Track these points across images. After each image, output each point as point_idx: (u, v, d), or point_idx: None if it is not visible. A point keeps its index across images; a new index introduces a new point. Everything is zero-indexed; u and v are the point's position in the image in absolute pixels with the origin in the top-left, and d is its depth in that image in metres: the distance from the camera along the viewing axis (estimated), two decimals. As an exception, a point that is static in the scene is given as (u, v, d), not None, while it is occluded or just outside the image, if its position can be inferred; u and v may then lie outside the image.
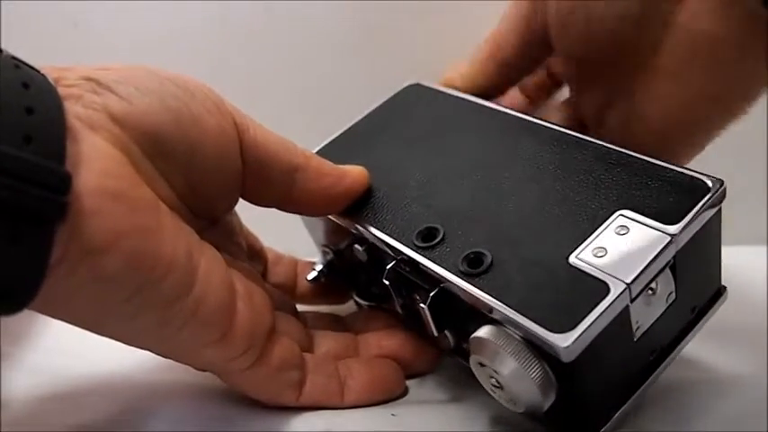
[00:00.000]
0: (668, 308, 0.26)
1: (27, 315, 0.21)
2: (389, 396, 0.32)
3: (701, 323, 0.28)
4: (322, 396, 0.30)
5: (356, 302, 0.37)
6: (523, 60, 0.37)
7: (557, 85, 0.41)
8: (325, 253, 0.37)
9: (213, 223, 0.30)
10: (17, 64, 0.21)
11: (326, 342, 0.33)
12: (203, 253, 0.26)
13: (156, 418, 0.30)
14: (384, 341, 0.33)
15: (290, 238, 0.38)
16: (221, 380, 0.30)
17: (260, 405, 0.30)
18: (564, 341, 0.22)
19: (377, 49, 0.46)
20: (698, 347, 0.28)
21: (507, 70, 0.37)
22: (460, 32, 0.44)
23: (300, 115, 0.46)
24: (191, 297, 0.25)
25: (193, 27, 0.45)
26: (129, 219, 0.23)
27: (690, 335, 0.28)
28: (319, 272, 0.37)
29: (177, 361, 0.28)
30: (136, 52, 0.44)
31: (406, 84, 0.38)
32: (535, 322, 0.23)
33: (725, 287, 0.29)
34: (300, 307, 0.36)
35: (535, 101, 0.41)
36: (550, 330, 0.23)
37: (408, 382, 0.33)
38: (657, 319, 0.26)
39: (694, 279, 0.27)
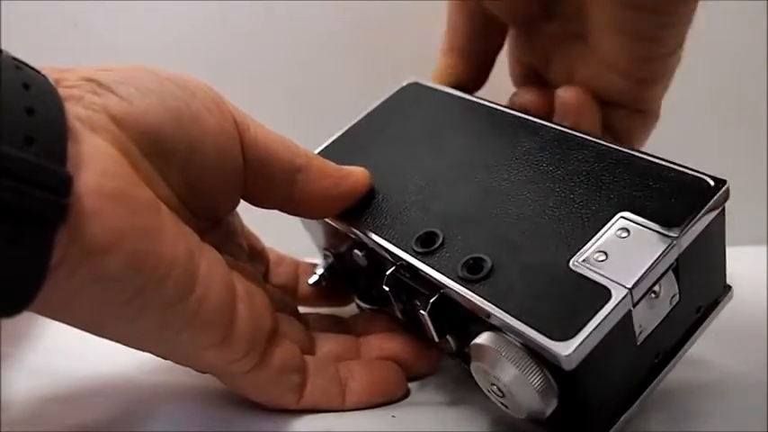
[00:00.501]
0: (672, 310, 0.26)
1: (27, 316, 0.21)
2: (390, 398, 0.31)
3: (706, 323, 0.28)
4: (323, 399, 0.30)
5: (358, 305, 0.37)
6: (479, 40, 0.37)
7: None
8: (326, 256, 0.37)
9: (215, 224, 0.30)
10: (18, 65, 0.21)
11: (328, 344, 0.33)
12: (204, 254, 0.26)
13: (156, 419, 0.30)
14: (385, 343, 0.33)
15: (291, 240, 0.37)
16: (222, 382, 0.30)
17: (260, 407, 0.30)
18: (565, 349, 0.22)
19: (375, 49, 0.46)
20: (698, 347, 0.28)
21: (471, 55, 0.37)
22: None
23: (299, 115, 0.46)
24: (191, 299, 0.25)
25: (193, 27, 0.45)
26: (130, 219, 0.22)
27: (695, 335, 0.28)
28: (320, 275, 0.37)
29: (178, 363, 0.28)
30: (136, 52, 0.44)
31: (404, 82, 0.38)
32: (535, 330, 0.23)
33: (730, 286, 0.29)
34: (302, 309, 0.36)
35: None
36: (551, 338, 0.23)
37: (410, 385, 0.33)
38: (661, 321, 0.25)
39: (698, 280, 0.27)
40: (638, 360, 0.26)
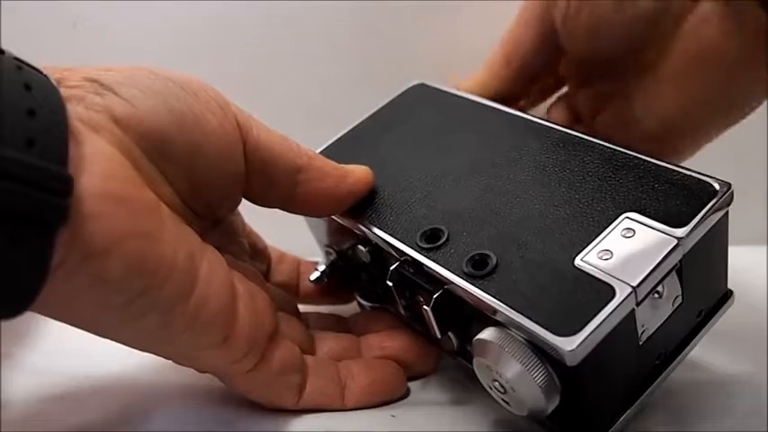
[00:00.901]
0: (674, 312, 0.26)
1: (28, 316, 0.21)
2: (390, 398, 0.32)
3: (706, 327, 0.28)
4: (322, 398, 0.30)
5: (359, 303, 0.37)
6: (538, 63, 0.36)
7: (559, 83, 0.40)
8: (328, 253, 0.36)
9: (216, 224, 0.30)
10: (19, 65, 0.21)
11: (328, 343, 0.33)
12: (205, 255, 0.26)
13: (156, 418, 0.30)
14: (386, 342, 0.33)
15: (292, 238, 0.37)
16: (222, 382, 0.30)
17: (260, 407, 0.30)
18: (568, 345, 0.22)
19: (379, 50, 0.46)
20: (698, 347, 0.28)
21: (523, 75, 0.37)
22: (464, 32, 0.45)
23: (302, 116, 0.46)
24: (192, 300, 0.25)
25: (194, 27, 0.45)
26: (131, 222, 0.22)
27: (696, 339, 0.28)
28: (322, 272, 0.36)
29: (178, 363, 0.28)
30: (136, 52, 0.44)
31: (410, 84, 0.38)
32: (539, 325, 0.23)
33: (731, 291, 0.29)
34: (303, 307, 0.36)
35: (536, 100, 0.41)
36: (555, 333, 0.23)
37: (410, 384, 0.33)
38: (663, 322, 0.26)
39: (701, 283, 0.27)
40: (639, 360, 0.26)
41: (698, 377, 0.31)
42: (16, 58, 0.21)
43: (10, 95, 0.20)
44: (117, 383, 0.34)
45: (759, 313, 0.36)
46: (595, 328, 0.22)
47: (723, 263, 0.28)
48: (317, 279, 0.36)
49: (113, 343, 0.26)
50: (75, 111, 0.23)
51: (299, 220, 0.36)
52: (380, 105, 0.38)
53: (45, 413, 0.31)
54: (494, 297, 0.25)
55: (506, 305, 0.24)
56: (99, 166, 0.22)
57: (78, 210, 0.21)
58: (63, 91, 0.22)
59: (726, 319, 0.29)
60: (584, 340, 0.22)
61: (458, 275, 0.26)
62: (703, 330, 0.28)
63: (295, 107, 0.47)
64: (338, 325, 0.35)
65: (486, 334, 0.25)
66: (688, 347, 0.27)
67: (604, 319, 0.22)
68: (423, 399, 0.32)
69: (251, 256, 0.34)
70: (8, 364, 0.35)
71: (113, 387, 0.33)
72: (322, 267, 0.37)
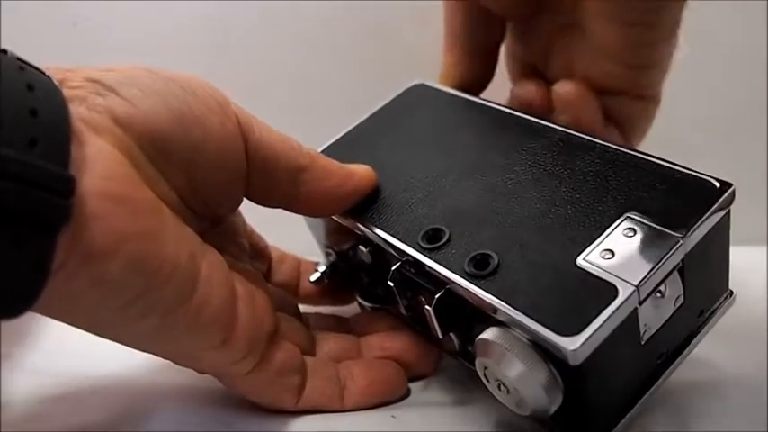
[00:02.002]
0: (676, 311, 0.26)
1: (28, 316, 0.21)
2: (390, 398, 0.31)
3: (707, 327, 0.28)
4: (322, 399, 0.30)
5: (359, 304, 0.37)
6: (478, 36, 0.37)
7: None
8: (328, 254, 0.36)
9: (216, 224, 0.30)
10: (22, 66, 0.21)
11: (328, 344, 0.33)
12: (205, 257, 0.26)
13: (156, 419, 0.30)
14: (386, 343, 0.33)
15: (293, 238, 0.37)
16: (221, 383, 0.30)
17: (259, 407, 0.30)
18: (571, 344, 0.22)
19: (379, 50, 0.46)
20: (698, 347, 0.28)
21: (472, 52, 0.37)
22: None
23: (302, 116, 0.46)
24: (192, 302, 0.25)
25: (194, 27, 0.45)
26: (132, 223, 0.22)
27: (697, 339, 0.28)
28: (322, 273, 0.36)
29: (178, 364, 0.28)
30: (135, 52, 0.44)
31: (410, 84, 0.38)
32: (542, 325, 0.23)
33: (732, 291, 0.29)
34: (303, 307, 0.36)
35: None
36: (558, 333, 0.23)
37: (411, 385, 0.33)
38: (665, 322, 0.26)
39: (702, 282, 0.27)
40: (641, 360, 0.26)
41: (698, 377, 0.31)
42: (19, 59, 0.21)
43: (12, 96, 0.20)
44: (117, 383, 0.34)
45: (759, 313, 0.36)
46: (598, 328, 0.22)
47: (724, 263, 0.28)
48: (318, 280, 0.36)
49: (113, 343, 0.26)
50: (76, 111, 0.23)
51: (299, 220, 0.36)
52: (380, 106, 0.38)
53: (45, 413, 0.31)
54: (496, 297, 0.25)
55: (508, 305, 0.24)
56: (100, 166, 0.22)
57: (80, 210, 0.21)
58: (65, 91, 0.22)
59: (726, 319, 0.29)
60: (586, 339, 0.22)
61: (459, 275, 0.26)
62: (704, 330, 0.28)
63: (294, 107, 0.47)
64: (339, 325, 0.35)
65: (489, 334, 0.25)
66: (689, 347, 0.27)
67: (607, 319, 0.22)
68: (424, 399, 0.32)
69: (251, 256, 0.34)
70: (8, 364, 0.35)
71: (113, 387, 0.33)
72: (322, 268, 0.37)
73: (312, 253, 0.39)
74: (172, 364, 0.28)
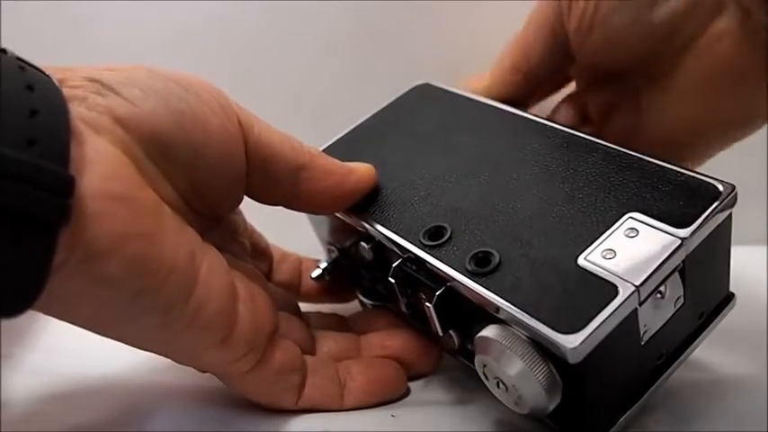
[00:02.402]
0: (676, 312, 0.26)
1: (28, 315, 0.21)
2: (390, 398, 0.31)
3: (708, 329, 0.28)
4: (321, 399, 0.30)
5: (360, 302, 0.37)
6: (547, 71, 0.36)
7: (566, 81, 0.40)
8: (330, 251, 0.36)
9: (216, 222, 0.30)
10: (21, 65, 0.21)
11: (328, 343, 0.33)
12: (205, 256, 0.26)
13: (156, 419, 0.30)
14: (386, 341, 0.33)
15: (294, 236, 0.37)
16: (221, 382, 0.30)
17: (259, 407, 0.30)
18: (571, 342, 0.22)
19: (383, 49, 0.46)
20: (698, 348, 0.28)
21: (531, 81, 0.36)
22: (468, 32, 0.44)
23: (304, 115, 0.46)
24: (192, 301, 0.25)
25: (194, 27, 0.45)
26: (133, 223, 0.23)
27: (697, 341, 0.28)
28: (324, 269, 0.36)
29: (178, 362, 0.28)
30: (136, 52, 0.44)
31: (415, 84, 0.38)
32: (542, 323, 0.23)
33: (733, 294, 0.29)
34: (304, 306, 0.36)
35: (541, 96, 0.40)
36: (557, 331, 0.23)
37: (411, 384, 0.33)
38: (665, 323, 0.26)
39: (703, 284, 0.27)
40: (640, 361, 0.26)
41: (698, 377, 0.31)
42: (18, 59, 0.21)
43: (12, 96, 0.20)
44: (117, 383, 0.34)
45: (759, 313, 0.36)
46: (598, 326, 0.22)
47: (725, 265, 0.28)
48: (319, 276, 0.36)
49: (113, 343, 0.26)
50: (77, 111, 0.23)
51: (299, 220, 0.36)
52: (384, 105, 0.38)
53: (45, 413, 0.31)
54: (496, 294, 0.25)
55: (509, 302, 0.24)
56: (101, 166, 0.22)
57: (80, 210, 0.21)
58: (65, 90, 0.22)
59: (726, 320, 0.29)
60: (586, 338, 0.22)
61: (461, 273, 0.26)
62: (704, 333, 0.28)
63: (297, 106, 0.47)
64: (339, 324, 0.35)
65: (489, 331, 0.25)
66: (689, 350, 0.27)
67: (607, 318, 0.22)
68: (423, 398, 0.32)
69: (252, 255, 0.34)
70: (8, 364, 0.35)
71: (113, 387, 0.33)
72: (324, 264, 0.36)
73: (314, 253, 0.39)
74: (172, 363, 0.28)
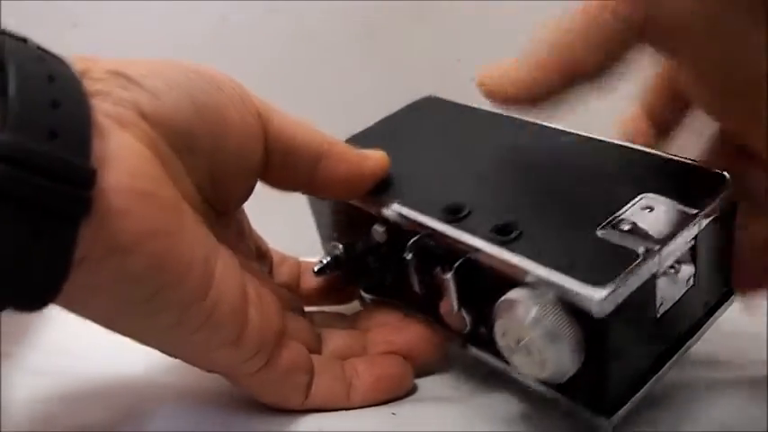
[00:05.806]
0: (687, 293, 0.27)
1: (28, 315, 0.21)
2: (396, 394, 0.31)
3: (710, 321, 0.29)
4: (328, 398, 0.30)
5: (361, 299, 0.37)
6: (679, 115, 0.33)
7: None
8: (333, 247, 0.36)
9: (221, 215, 0.30)
10: (42, 56, 0.21)
11: (334, 341, 0.33)
12: (219, 256, 0.26)
13: (156, 419, 0.30)
14: (391, 336, 0.33)
15: (294, 237, 0.37)
16: (229, 382, 0.30)
17: (259, 407, 0.30)
18: (598, 294, 0.23)
19: (387, 58, 0.46)
20: (698, 347, 0.28)
21: (661, 122, 0.34)
22: (467, 39, 0.45)
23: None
24: (207, 300, 0.25)
25: (194, 28, 0.45)
26: (156, 219, 0.23)
27: (700, 331, 0.28)
28: (326, 264, 0.36)
29: (186, 362, 0.28)
30: (136, 52, 0.44)
31: (420, 96, 0.39)
32: (570, 277, 0.24)
33: (733, 290, 0.30)
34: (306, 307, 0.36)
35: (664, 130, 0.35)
36: (585, 283, 0.23)
37: (417, 380, 0.33)
38: (677, 301, 0.26)
39: (709, 270, 0.28)
40: (653, 336, 0.26)
41: (698, 377, 0.31)
42: (39, 47, 0.21)
43: (33, 88, 0.20)
44: (117, 383, 0.33)
45: (759, 313, 0.36)
46: (622, 283, 0.23)
47: (728, 256, 0.29)
48: (321, 270, 0.36)
49: (114, 343, 0.26)
50: (101, 107, 0.23)
51: (299, 220, 0.36)
52: (387, 115, 0.38)
53: (45, 413, 0.31)
54: (522, 257, 0.25)
55: (536, 263, 0.25)
56: (126, 162, 0.22)
57: (104, 205, 0.21)
58: (87, 83, 0.22)
59: (726, 319, 0.29)
60: (611, 292, 0.23)
61: (485, 241, 0.27)
62: (707, 324, 0.29)
63: (298, 107, 0.47)
64: (343, 321, 0.35)
65: (514, 293, 0.25)
66: (692, 339, 0.28)
67: (630, 275, 0.23)
68: (429, 394, 0.32)
69: (255, 258, 0.34)
70: (8, 364, 0.34)
71: (113, 387, 0.33)
72: (327, 259, 0.36)
73: (312, 255, 0.39)
74: (172, 364, 0.28)
